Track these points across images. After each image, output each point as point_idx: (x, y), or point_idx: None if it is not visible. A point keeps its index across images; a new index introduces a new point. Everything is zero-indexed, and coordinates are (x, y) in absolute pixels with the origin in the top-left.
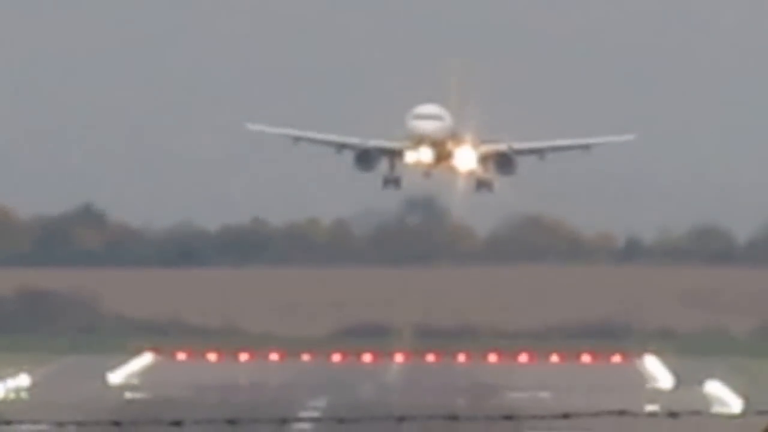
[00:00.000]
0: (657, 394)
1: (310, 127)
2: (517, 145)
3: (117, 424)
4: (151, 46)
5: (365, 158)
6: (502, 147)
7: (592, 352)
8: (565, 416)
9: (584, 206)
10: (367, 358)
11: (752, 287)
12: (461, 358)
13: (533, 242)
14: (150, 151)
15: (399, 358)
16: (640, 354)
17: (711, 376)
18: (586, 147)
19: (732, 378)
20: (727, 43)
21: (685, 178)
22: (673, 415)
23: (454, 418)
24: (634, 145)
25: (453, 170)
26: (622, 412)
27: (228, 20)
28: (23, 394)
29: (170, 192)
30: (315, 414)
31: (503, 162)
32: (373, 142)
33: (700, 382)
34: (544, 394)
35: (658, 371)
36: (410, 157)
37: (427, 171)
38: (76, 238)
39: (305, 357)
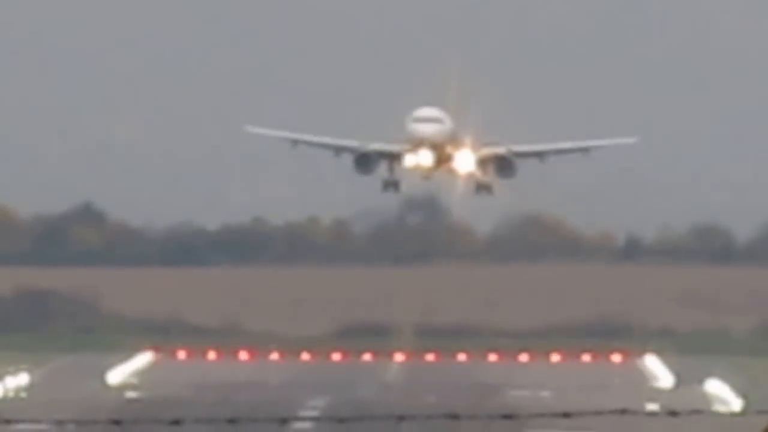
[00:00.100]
0: (657, 393)
1: (309, 130)
2: (517, 148)
3: (116, 423)
4: (150, 46)
5: (364, 161)
6: (501, 150)
7: (592, 351)
8: (566, 415)
9: (584, 205)
10: (367, 357)
11: (752, 286)
12: (461, 357)
13: (533, 241)
14: (150, 150)
15: (399, 357)
16: (640, 353)
17: (711, 375)
18: (586, 150)
19: (732, 377)
20: (727, 42)
21: (685, 178)
22: (673, 414)
23: (454, 417)
24: (635, 145)
25: (452, 173)
26: (622, 411)
27: (228, 22)
28: (23, 393)
29: (170, 191)
30: (315, 413)
31: (503, 165)
32: (373, 146)
33: (701, 381)
34: (545, 393)
35: (658, 370)
36: (410, 160)
37: (426, 174)
38: (76, 237)
39: (305, 356)
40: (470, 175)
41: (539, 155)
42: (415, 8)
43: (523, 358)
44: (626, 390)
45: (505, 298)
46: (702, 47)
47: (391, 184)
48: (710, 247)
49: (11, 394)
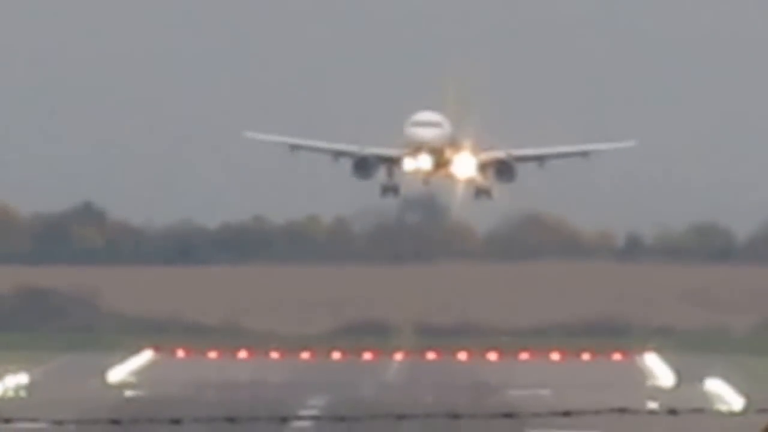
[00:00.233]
0: (657, 392)
1: (308, 134)
2: (516, 152)
3: (116, 422)
4: (149, 47)
5: (363, 166)
6: (501, 154)
7: (592, 349)
8: (566, 414)
9: (584, 204)
10: (367, 356)
11: (752, 285)
12: (462, 356)
13: (533, 240)
14: (150, 149)
15: (399, 356)
16: (640, 351)
17: (711, 373)
18: (585, 154)
19: (732, 375)
20: (727, 41)
21: (684, 176)
22: (673, 412)
23: (454, 416)
24: (634, 147)
25: (452, 178)
26: (622, 410)
27: (227, 25)
28: (22, 392)
29: (170, 190)
30: (315, 412)
31: (502, 169)
32: (371, 150)
33: (701, 380)
34: (545, 392)
35: (658, 369)
36: (409, 164)
37: (425, 179)
38: (76, 236)
39: (305, 355)
40: (470, 180)
41: (539, 159)
42: (414, 12)
43: (524, 356)
44: (626, 389)
45: (505, 296)
46: (701, 48)
47: (390, 189)
48: (710, 245)
49: (11, 393)
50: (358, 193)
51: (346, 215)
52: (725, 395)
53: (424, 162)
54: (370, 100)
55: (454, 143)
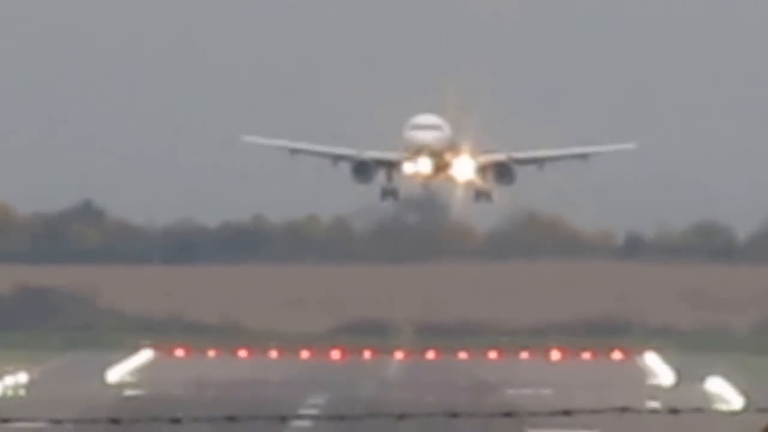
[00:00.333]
0: (658, 391)
1: (307, 138)
2: (516, 155)
3: (115, 421)
4: (149, 48)
5: (363, 170)
6: (500, 157)
7: (592, 349)
8: (566, 413)
9: (584, 203)
10: (367, 355)
11: (753, 284)
12: (462, 355)
13: (533, 239)
14: (149, 147)
15: (399, 355)
16: (640, 351)
17: (712, 372)
18: (585, 156)
19: (733, 375)
20: (726, 41)
21: (684, 175)
22: (674, 411)
23: (454, 415)
24: (636, 142)
25: (451, 181)
26: (623, 409)
27: (227, 27)
28: (21, 392)
29: (170, 189)
30: (315, 411)
31: (502, 172)
32: (371, 154)
33: (701, 379)
34: (545, 391)
35: (658, 368)
36: (408, 167)
37: (425, 182)
38: (75, 235)
39: (305, 354)
40: (469, 182)
41: (538, 162)
42: (413, 15)
43: (524, 356)
44: (627, 388)
45: (505, 295)
46: (701, 48)
47: (390, 192)
48: (711, 244)
49: (10, 393)
50: (358, 192)
51: (345, 214)
52: (725, 394)
53: (423, 165)
54: (369, 103)
55: (454, 146)
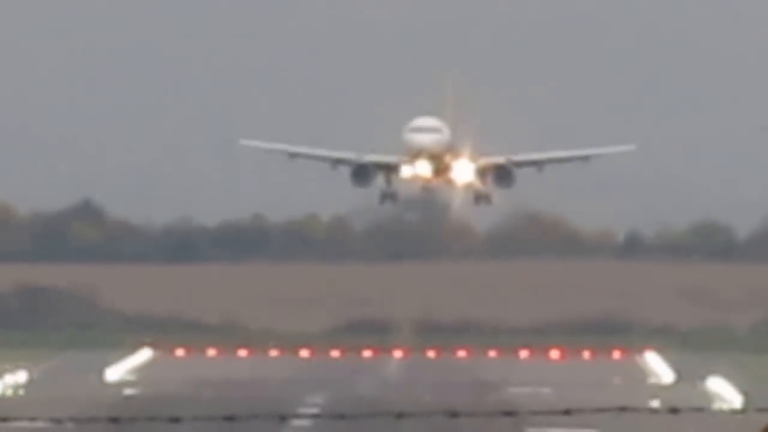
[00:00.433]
0: (658, 390)
1: (306, 141)
2: (516, 158)
3: (115, 420)
4: (148, 48)
5: (362, 173)
6: (500, 159)
7: (592, 348)
8: (566, 412)
9: (584, 202)
10: (366, 354)
11: (753, 283)
12: (461, 353)
13: (533, 238)
14: (149, 146)
15: (398, 353)
16: (640, 350)
17: (712, 372)
18: (585, 158)
19: (733, 374)
20: (726, 41)
21: (685, 174)
22: (674, 411)
23: (454, 414)
24: (636, 143)
25: (451, 184)
26: (623, 408)
27: (227, 29)
28: (21, 391)
29: (170, 188)
30: (314, 410)
31: (502, 175)
32: (370, 157)
33: (701, 378)
34: (545, 390)
35: (658, 367)
36: (407, 171)
37: (424, 185)
38: (75, 234)
39: (304, 353)
40: (469, 186)
41: (538, 164)
42: (411, 18)
43: (524, 354)
44: (627, 387)
45: (505, 294)
46: (701, 47)
47: (389, 196)
48: (711, 243)
49: (10, 392)
50: (357, 191)
51: (345, 213)
52: (726, 394)
53: (422, 168)
54: (368, 106)
55: (453, 149)
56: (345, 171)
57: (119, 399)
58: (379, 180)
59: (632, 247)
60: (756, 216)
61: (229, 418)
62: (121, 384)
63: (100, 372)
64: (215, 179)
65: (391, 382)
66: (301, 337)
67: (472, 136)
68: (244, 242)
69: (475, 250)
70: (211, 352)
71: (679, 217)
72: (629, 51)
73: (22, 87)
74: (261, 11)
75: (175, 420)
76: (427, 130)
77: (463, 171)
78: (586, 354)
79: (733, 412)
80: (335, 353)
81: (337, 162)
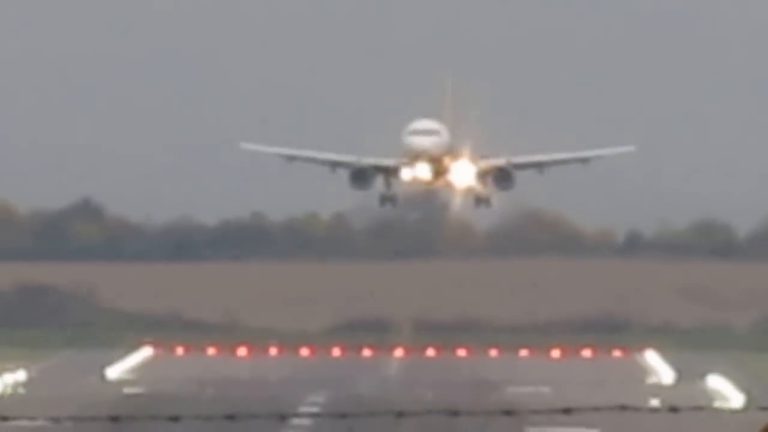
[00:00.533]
0: (658, 389)
1: (305, 143)
2: (516, 160)
3: (115, 419)
4: (148, 48)
5: (361, 176)
6: (500, 162)
7: (592, 346)
8: (566, 411)
9: (584, 201)
10: (366, 352)
11: (753, 282)
12: (461, 352)
13: (533, 237)
14: (149, 145)
15: (399, 352)
16: (640, 349)
17: (712, 370)
18: (585, 160)
19: (733, 373)
20: (726, 40)
21: (685, 173)
22: (674, 409)
23: (454, 413)
24: (635, 144)
25: (450, 186)
26: (623, 407)
27: (226, 32)
28: (20, 389)
29: (169, 186)
30: (314, 409)
31: (502, 177)
32: (369, 160)
33: (702, 377)
34: (545, 389)
35: (659, 366)
36: (407, 173)
37: (424, 188)
38: (75, 232)
39: (304, 352)
40: (469, 188)
41: (538, 166)
42: (411, 21)
43: (524, 354)
44: (627, 386)
45: (505, 293)
46: (701, 46)
47: (389, 199)
48: (711, 242)
49: (9, 391)
50: (357, 191)
51: (345, 212)
52: (726, 392)
53: (422, 171)
54: (367, 109)
55: (453, 151)
56: (344, 173)
57: (119, 398)
58: (379, 183)
59: (632, 246)
60: (756, 215)
61: (230, 417)
62: (121, 383)
63: (100, 371)
64: (215, 178)
65: (392, 381)
66: (301, 335)
67: (471, 138)
68: (244, 241)
69: (475, 249)
70: (211, 350)
71: (680, 216)
72: (629, 52)
73: (21, 86)
74: (260, 14)
75: (175, 419)
76: (427, 132)
77: (463, 173)
78: (587, 353)
79: (733, 410)
80: (335, 352)
81: (336, 165)
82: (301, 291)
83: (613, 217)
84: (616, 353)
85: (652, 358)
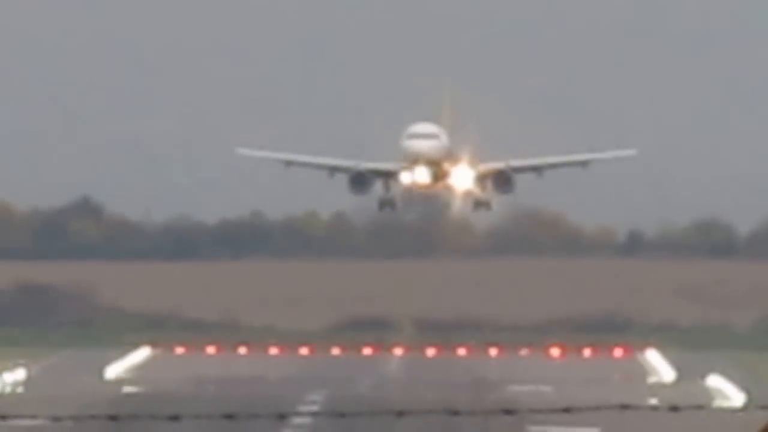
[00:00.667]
0: (658, 388)
1: (303, 148)
2: (515, 163)
3: (114, 418)
4: (150, 49)
5: (360, 181)
6: (499, 165)
7: (593, 345)
8: (567, 410)
9: (585, 200)
10: (366, 351)
11: (754, 280)
12: (461, 351)
13: (534, 236)
14: (148, 144)
15: (399, 351)
16: (641, 348)
17: (712, 369)
18: (585, 163)
19: (733, 372)
20: (725, 40)
21: (686, 172)
22: (674, 408)
23: (454, 412)
24: (635, 144)
25: (450, 190)
26: (623, 406)
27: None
28: (20, 388)
29: (168, 185)
30: (314, 408)
31: (501, 180)
32: (367, 165)
33: (702, 376)
34: (545, 388)
35: (659, 365)
36: (406, 177)
37: (423, 192)
38: (74, 231)
39: (304, 350)
40: (468, 192)
41: (537, 170)
42: (409, 24)
43: (524, 353)
44: (627, 385)
45: (506, 292)
46: (700, 45)
47: (388, 203)
48: (711, 241)
49: (8, 389)
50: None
51: (344, 211)
52: (726, 391)
53: (421, 175)
54: (365, 113)
55: (452, 155)
56: (343, 178)
57: (118, 397)
58: (378, 187)
59: (633, 245)
60: (756, 214)
61: (229, 416)
62: (121, 382)
63: (100, 370)
64: (214, 177)
65: (391, 380)
66: (301, 334)
67: (470, 142)
68: (243, 239)
69: (475, 248)
70: (211, 349)
71: (680, 215)
72: (629, 52)
73: (21, 85)
74: (260, 16)
75: (175, 418)
76: (425, 136)
77: (463, 177)
78: (587, 352)
79: (734, 410)
80: (335, 351)
81: (335, 170)
82: (301, 290)
83: (614, 217)
84: (617, 352)
85: (652, 357)
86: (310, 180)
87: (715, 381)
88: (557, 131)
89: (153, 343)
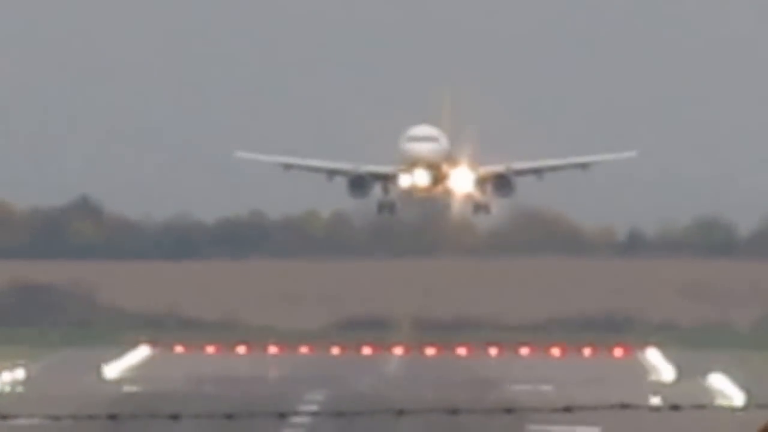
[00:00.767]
0: (659, 387)
1: (302, 152)
2: (516, 166)
3: (113, 417)
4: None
5: (359, 184)
6: (499, 168)
7: (593, 345)
8: (567, 409)
9: (585, 199)
10: (366, 350)
11: (754, 279)
12: (461, 351)
13: (534, 235)
14: (148, 143)
15: (398, 351)
16: (641, 347)
17: (713, 368)
18: (585, 166)
19: (734, 371)
20: (724, 40)
21: (686, 171)
22: (675, 408)
23: (454, 411)
24: (635, 144)
25: (449, 193)
26: (623, 405)
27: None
28: (19, 388)
29: (168, 184)
30: (313, 407)
31: (501, 183)
32: (366, 168)
33: (703, 375)
34: (546, 388)
35: (660, 364)
36: (405, 180)
37: (423, 194)
38: (73, 230)
39: (304, 350)
40: (468, 195)
41: (538, 172)
42: (409, 27)
43: (524, 352)
44: (628, 384)
45: (506, 291)
46: (701, 45)
47: (387, 206)
48: (712, 240)
49: (8, 389)
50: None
51: (344, 210)
52: (727, 391)
53: (420, 178)
54: (364, 116)
55: (451, 158)
56: (342, 181)
57: (118, 396)
58: (377, 190)
59: (633, 244)
60: (757, 213)
61: (229, 416)
62: (120, 381)
63: (99, 369)
64: (214, 176)
65: (391, 380)
66: (300, 334)
67: (470, 144)
68: (243, 239)
69: (475, 247)
70: (210, 349)
71: (681, 214)
72: (629, 53)
73: (21, 85)
74: (260, 18)
75: (175, 417)
76: (425, 138)
77: (462, 180)
78: (587, 351)
79: (734, 409)
80: (335, 350)
81: (334, 173)
82: (301, 289)
83: (614, 216)
84: (617, 351)
85: (653, 356)
86: (310, 180)
87: (715, 380)
88: (557, 133)
89: (152, 343)
